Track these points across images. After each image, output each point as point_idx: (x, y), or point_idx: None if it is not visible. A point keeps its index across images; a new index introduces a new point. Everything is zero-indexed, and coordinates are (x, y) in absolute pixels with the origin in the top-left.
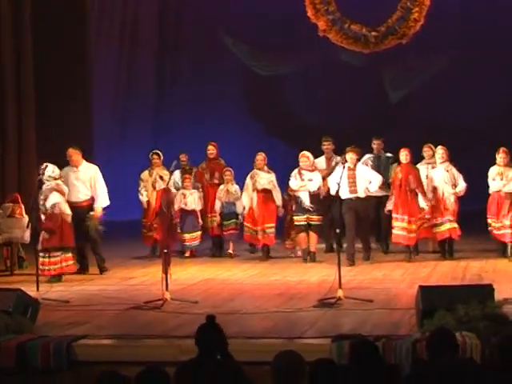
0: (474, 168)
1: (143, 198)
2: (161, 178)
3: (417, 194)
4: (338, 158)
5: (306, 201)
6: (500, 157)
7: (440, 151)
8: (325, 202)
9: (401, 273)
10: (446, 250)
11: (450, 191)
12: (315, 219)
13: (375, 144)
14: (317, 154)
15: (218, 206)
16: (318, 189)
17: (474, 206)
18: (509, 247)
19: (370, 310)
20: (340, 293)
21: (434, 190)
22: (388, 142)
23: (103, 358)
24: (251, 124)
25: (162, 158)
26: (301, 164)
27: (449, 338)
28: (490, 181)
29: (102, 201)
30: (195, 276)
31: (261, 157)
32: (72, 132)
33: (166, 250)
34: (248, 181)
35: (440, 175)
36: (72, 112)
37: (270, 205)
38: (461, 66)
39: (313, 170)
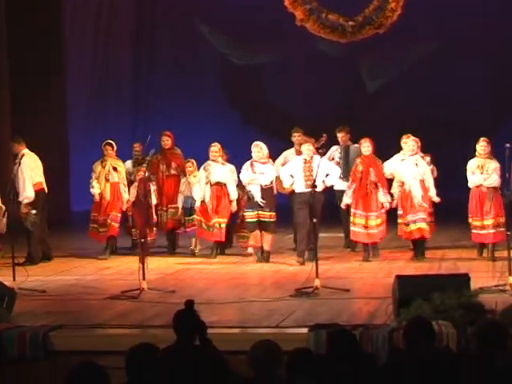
0: (451, 158)
1: (95, 190)
2: (114, 169)
3: (378, 188)
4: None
5: (257, 195)
6: (481, 146)
7: (411, 143)
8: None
9: (377, 263)
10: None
11: (418, 188)
12: (267, 215)
13: (339, 137)
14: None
15: (180, 200)
16: (271, 183)
17: (451, 197)
18: (489, 247)
19: (347, 299)
20: (317, 282)
21: (402, 185)
22: (365, 131)
23: (80, 348)
24: (228, 114)
25: (115, 148)
26: (253, 155)
27: (425, 327)
28: (469, 175)
29: (23, 194)
30: (172, 266)
31: (215, 148)
32: (47, 123)
33: (143, 240)
34: (201, 172)
35: (409, 170)
36: (46, 109)
37: (223, 199)
38: (438, 56)
39: (266, 163)
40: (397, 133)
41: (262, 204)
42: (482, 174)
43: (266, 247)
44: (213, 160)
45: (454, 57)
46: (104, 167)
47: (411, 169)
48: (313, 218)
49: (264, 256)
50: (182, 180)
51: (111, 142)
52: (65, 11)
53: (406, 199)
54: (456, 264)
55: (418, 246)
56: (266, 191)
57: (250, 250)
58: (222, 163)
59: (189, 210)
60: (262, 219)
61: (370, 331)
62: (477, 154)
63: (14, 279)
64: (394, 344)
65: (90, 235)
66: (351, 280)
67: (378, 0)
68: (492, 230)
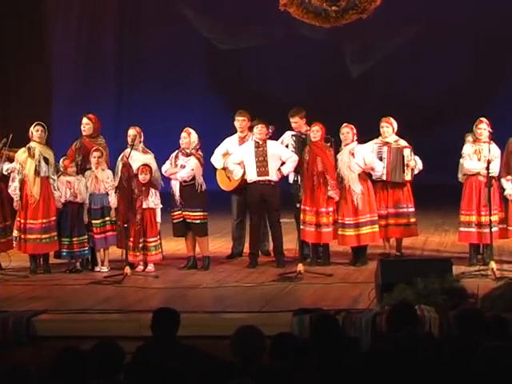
0: (433, 142)
1: (16, 192)
2: (46, 160)
3: (326, 180)
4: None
5: (177, 193)
6: (478, 129)
7: (344, 130)
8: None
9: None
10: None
11: (356, 182)
12: (191, 216)
13: (293, 122)
14: (280, 129)
15: (85, 198)
16: (192, 180)
17: (433, 180)
18: (487, 248)
19: (330, 284)
20: (300, 267)
21: (342, 180)
22: (349, 116)
23: (63, 333)
24: (212, 100)
25: (46, 132)
26: (181, 142)
27: (409, 312)
28: (465, 161)
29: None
30: None
31: (133, 131)
32: (32, 109)
33: (125, 225)
34: (118, 163)
35: (343, 162)
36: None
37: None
38: (422, 41)
39: (189, 155)
40: (380, 117)
41: (178, 204)
42: (479, 160)
43: (204, 252)
44: (134, 148)
45: (439, 40)
46: (32, 156)
47: (345, 160)
48: (269, 212)
49: (204, 263)
50: (87, 173)
51: (43, 123)
52: None
53: (343, 196)
54: (439, 249)
55: (360, 252)
56: (186, 189)
57: (140, 266)
58: (144, 151)
59: (98, 212)
60: (188, 220)
61: (353, 316)
62: (475, 137)
63: None
64: (377, 328)
65: (19, 249)
66: (334, 265)
67: None
68: (486, 230)
